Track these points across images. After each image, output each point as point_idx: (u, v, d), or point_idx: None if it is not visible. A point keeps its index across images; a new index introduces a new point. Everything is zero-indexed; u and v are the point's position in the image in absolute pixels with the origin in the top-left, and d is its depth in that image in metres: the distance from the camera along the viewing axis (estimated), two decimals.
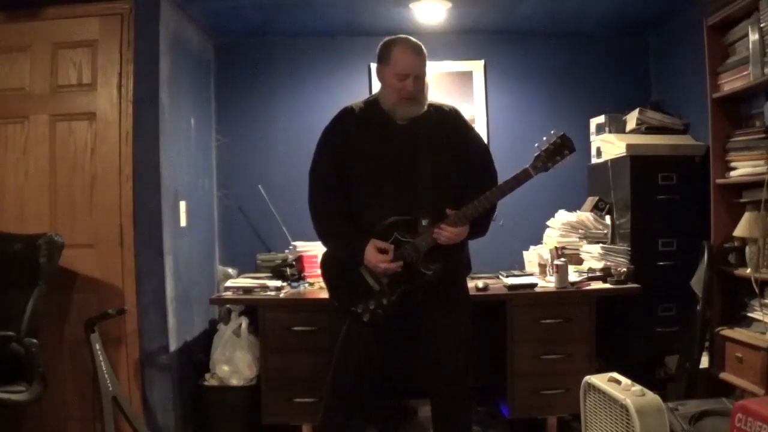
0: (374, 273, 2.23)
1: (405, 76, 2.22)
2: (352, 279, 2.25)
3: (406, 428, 3.28)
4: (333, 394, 2.33)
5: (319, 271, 3.29)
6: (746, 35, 2.60)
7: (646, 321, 3.13)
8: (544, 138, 2.21)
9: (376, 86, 3.64)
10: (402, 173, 2.23)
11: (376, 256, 2.19)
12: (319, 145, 2.34)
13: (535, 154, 2.20)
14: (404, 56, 2.23)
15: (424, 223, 2.20)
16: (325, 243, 2.39)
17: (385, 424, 3.26)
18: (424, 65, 2.27)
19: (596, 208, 3.42)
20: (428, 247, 2.20)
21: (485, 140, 3.73)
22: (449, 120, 2.35)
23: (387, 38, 2.31)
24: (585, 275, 3.12)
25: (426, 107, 2.31)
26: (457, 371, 2.33)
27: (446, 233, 2.18)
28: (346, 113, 2.34)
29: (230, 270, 3.60)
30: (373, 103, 2.34)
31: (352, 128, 2.30)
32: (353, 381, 2.29)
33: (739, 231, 2.62)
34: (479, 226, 2.29)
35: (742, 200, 2.74)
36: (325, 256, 2.41)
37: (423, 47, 2.27)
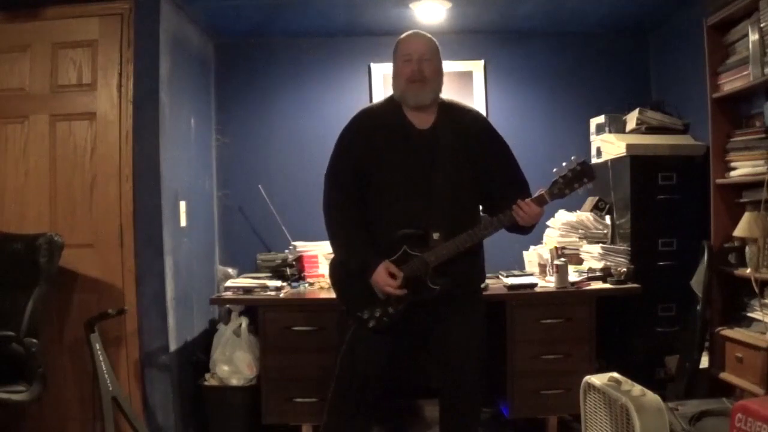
0: None
1: (409, 57, 2.22)
2: (360, 285, 2.22)
3: (411, 427, 3.28)
4: (338, 396, 2.32)
5: (318, 271, 3.33)
6: (746, 35, 2.60)
7: (646, 321, 3.13)
8: (564, 163, 2.15)
9: (376, 86, 3.70)
10: (418, 183, 2.19)
11: (386, 279, 2.14)
12: (337, 147, 2.30)
13: (553, 180, 2.15)
14: (407, 41, 2.27)
15: (435, 237, 2.16)
16: (336, 251, 2.34)
17: (391, 423, 3.26)
18: (428, 48, 2.25)
19: (596, 208, 3.42)
20: (438, 262, 2.15)
21: None
22: (472, 125, 2.29)
23: None
24: (585, 275, 3.12)
25: (444, 107, 2.28)
26: (469, 376, 2.30)
27: (527, 208, 2.10)
28: (365, 115, 2.31)
29: (230, 270, 3.59)
30: (391, 105, 2.30)
31: (372, 131, 2.26)
32: (359, 384, 2.28)
33: (739, 231, 2.62)
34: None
35: (742, 200, 2.74)
36: (335, 259, 2.38)
37: (430, 36, 2.28)
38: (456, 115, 2.29)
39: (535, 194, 2.17)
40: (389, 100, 2.33)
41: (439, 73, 2.28)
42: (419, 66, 2.21)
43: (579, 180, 2.14)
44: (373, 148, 2.23)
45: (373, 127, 2.27)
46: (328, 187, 2.29)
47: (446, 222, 2.17)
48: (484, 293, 2.96)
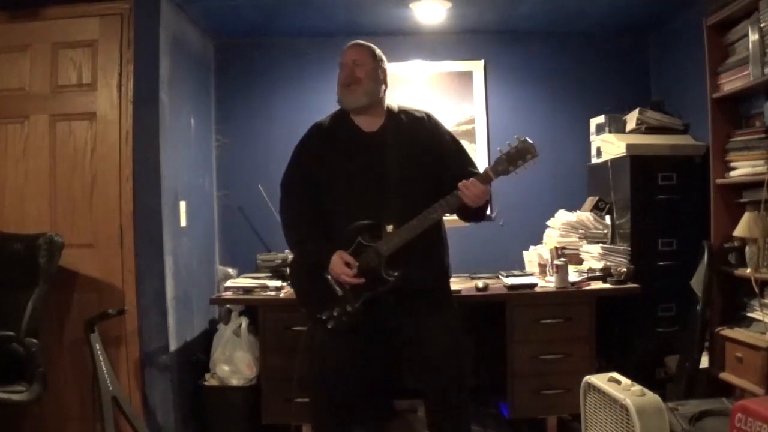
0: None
1: (342, 66, 2.33)
2: (318, 285, 2.28)
3: (398, 429, 3.27)
4: (318, 400, 2.37)
5: None
6: (746, 35, 2.60)
7: (646, 321, 3.13)
8: (507, 142, 2.17)
9: None
10: (370, 181, 2.27)
11: (341, 267, 2.21)
12: (291, 160, 2.42)
13: (496, 158, 2.17)
14: (343, 52, 2.36)
15: (388, 228, 2.22)
16: (293, 251, 2.47)
17: (376, 424, 3.26)
18: (360, 55, 2.32)
19: (596, 208, 3.42)
20: (390, 251, 2.20)
21: (485, 140, 3.76)
22: (421, 126, 2.36)
23: None
24: (585, 275, 3.12)
25: (392, 111, 2.36)
26: (451, 375, 2.33)
27: (472, 186, 2.12)
28: (316, 128, 2.42)
29: (230, 270, 3.60)
30: (341, 114, 2.39)
31: (322, 142, 2.36)
32: (335, 386, 2.31)
33: (739, 231, 2.62)
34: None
35: (742, 200, 2.74)
36: (293, 263, 2.48)
37: (369, 45, 2.36)
38: (404, 116, 2.37)
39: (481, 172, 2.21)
40: (339, 111, 2.42)
41: (373, 76, 2.31)
42: (351, 70, 2.30)
43: (522, 157, 2.14)
44: (326, 154, 2.33)
45: (324, 135, 2.38)
46: (283, 194, 2.42)
47: (399, 215, 2.22)
48: (485, 293, 2.99)
